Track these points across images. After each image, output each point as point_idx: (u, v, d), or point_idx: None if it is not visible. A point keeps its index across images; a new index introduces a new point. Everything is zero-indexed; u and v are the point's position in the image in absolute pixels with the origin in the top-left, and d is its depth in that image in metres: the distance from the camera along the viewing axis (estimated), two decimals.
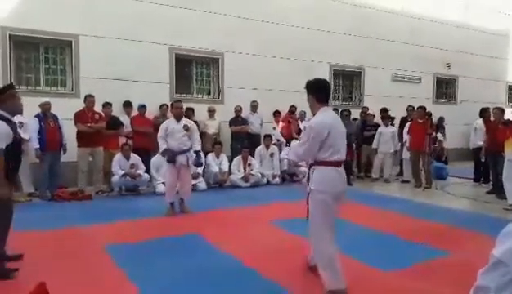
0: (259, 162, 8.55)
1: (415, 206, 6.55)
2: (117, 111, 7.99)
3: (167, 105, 8.22)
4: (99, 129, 7.17)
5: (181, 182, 5.82)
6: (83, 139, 7.06)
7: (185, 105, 7.15)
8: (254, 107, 9.45)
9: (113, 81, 8.22)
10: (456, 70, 13.41)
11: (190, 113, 8.07)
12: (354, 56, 11.41)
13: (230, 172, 8.22)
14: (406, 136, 8.78)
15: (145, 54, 8.51)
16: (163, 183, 6.87)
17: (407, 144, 8.68)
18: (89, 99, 7.21)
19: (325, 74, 10.82)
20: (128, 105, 8.23)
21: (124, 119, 7.96)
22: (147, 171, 7.43)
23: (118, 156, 7.17)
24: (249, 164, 8.31)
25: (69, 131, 7.04)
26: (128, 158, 7.21)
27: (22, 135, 6.49)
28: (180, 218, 5.59)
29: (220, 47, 9.47)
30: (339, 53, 11.13)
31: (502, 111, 7.52)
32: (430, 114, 8.78)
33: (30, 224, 4.87)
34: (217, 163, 8.13)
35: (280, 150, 9.01)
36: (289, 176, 8.98)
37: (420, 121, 8.43)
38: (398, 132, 9.44)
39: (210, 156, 8.10)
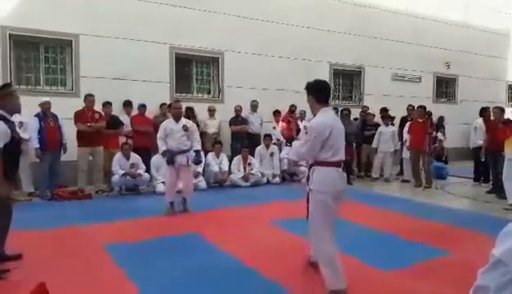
0: (259, 161, 8.55)
1: (415, 205, 6.55)
2: (117, 110, 7.99)
3: (167, 104, 8.21)
4: (99, 128, 7.17)
5: (183, 182, 5.82)
6: (83, 138, 7.06)
7: (185, 105, 7.17)
8: (254, 106, 9.45)
9: (113, 80, 8.22)
10: (456, 69, 13.40)
11: (190, 113, 8.05)
12: (354, 56, 11.41)
13: (230, 172, 8.22)
14: (406, 136, 8.77)
15: (145, 53, 8.50)
16: (163, 182, 6.86)
17: (407, 144, 8.68)
18: (89, 98, 7.21)
19: (325, 74, 10.83)
20: (128, 105, 8.22)
21: (124, 119, 7.96)
22: (147, 170, 7.43)
23: (118, 155, 7.17)
24: (249, 164, 8.31)
25: (69, 131, 7.04)
26: (128, 158, 7.21)
27: (22, 135, 6.52)
28: (180, 218, 5.59)
29: (220, 47, 9.46)
30: (339, 52, 11.12)
31: (502, 110, 7.51)
32: (430, 114, 8.78)
33: (30, 223, 4.87)
34: (217, 163, 8.13)
35: (280, 150, 8.99)
36: (289, 176, 8.98)
37: (420, 120, 8.43)
38: (398, 132, 9.43)
39: (210, 155, 8.10)
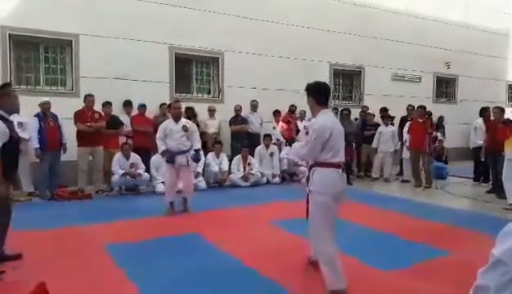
0: (259, 161, 8.55)
1: (415, 205, 6.55)
2: (117, 110, 7.99)
3: (167, 105, 8.21)
4: (99, 128, 7.17)
5: (183, 182, 5.81)
6: (83, 138, 7.06)
7: (185, 105, 7.18)
8: (254, 106, 9.45)
9: (113, 80, 8.22)
10: (456, 69, 13.41)
11: (190, 113, 8.05)
12: (354, 55, 11.41)
13: (230, 172, 8.22)
14: (406, 136, 8.77)
15: (145, 53, 8.50)
16: (162, 182, 6.86)
17: (407, 144, 8.68)
18: (89, 98, 7.21)
19: (325, 73, 10.83)
20: (127, 105, 8.22)
21: (124, 119, 7.96)
22: (147, 170, 7.43)
23: (118, 155, 7.17)
24: (249, 163, 8.31)
25: (69, 131, 7.04)
26: (127, 158, 7.21)
27: (22, 135, 6.54)
28: (180, 218, 5.59)
29: (220, 46, 9.46)
30: (339, 52, 11.12)
31: (502, 110, 7.51)
32: (430, 114, 8.78)
33: (30, 223, 4.87)
34: (217, 163, 8.13)
35: (280, 150, 9.01)
36: (288, 176, 8.98)
37: (420, 120, 8.43)
38: (398, 132, 9.43)
39: (210, 155, 8.10)
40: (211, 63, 9.73)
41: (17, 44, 7.74)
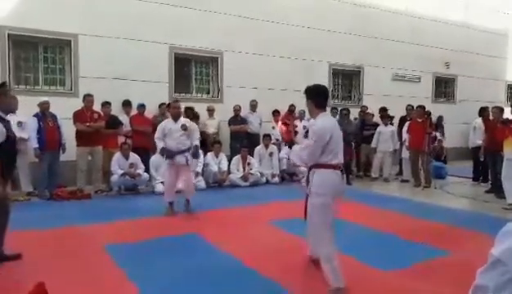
0: (258, 161, 8.54)
1: (414, 205, 6.56)
2: (116, 110, 7.98)
3: (166, 104, 8.22)
4: (98, 128, 7.17)
5: (183, 182, 5.80)
6: (82, 138, 7.05)
7: (184, 105, 7.16)
8: (254, 106, 9.45)
9: (112, 80, 8.21)
10: (456, 69, 13.41)
11: (189, 112, 8.04)
12: (354, 55, 11.41)
13: (229, 172, 8.22)
14: (405, 136, 8.77)
15: (145, 53, 8.49)
16: (162, 182, 6.85)
17: (406, 144, 8.68)
18: (88, 98, 7.20)
19: (324, 73, 10.84)
20: (127, 104, 8.22)
21: (123, 118, 7.96)
22: (146, 170, 7.43)
23: (117, 155, 7.16)
24: (249, 163, 8.31)
25: (68, 131, 7.03)
26: (127, 158, 7.20)
27: (21, 135, 6.55)
28: (179, 218, 5.59)
29: (219, 46, 9.46)
30: (339, 52, 11.13)
31: (501, 110, 7.52)
32: (429, 113, 8.79)
33: (29, 223, 4.86)
34: (217, 163, 8.13)
35: (280, 150, 9.01)
36: (288, 176, 8.98)
37: (419, 120, 8.44)
38: (397, 131, 9.44)
39: (209, 155, 8.10)
40: (210, 63, 9.72)
41: (16, 44, 7.73)
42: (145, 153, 7.64)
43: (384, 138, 9.10)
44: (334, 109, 9.71)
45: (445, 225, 5.16)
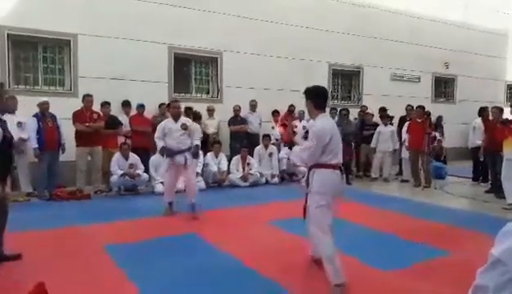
0: (258, 161, 8.54)
1: (414, 205, 6.56)
2: (115, 110, 7.98)
3: (166, 104, 8.21)
4: (97, 128, 7.16)
5: (186, 183, 5.78)
6: (82, 138, 7.04)
7: (184, 105, 7.15)
8: (253, 106, 9.45)
9: (111, 80, 8.21)
10: (455, 69, 13.42)
11: (189, 112, 8.03)
12: (353, 56, 11.41)
13: (229, 172, 8.22)
14: (404, 136, 8.78)
15: (144, 53, 8.49)
16: (161, 183, 6.85)
17: (406, 144, 8.68)
18: (87, 98, 7.19)
19: (324, 73, 10.85)
20: (126, 105, 8.21)
21: (123, 119, 7.95)
22: (146, 170, 7.42)
23: (117, 156, 7.16)
24: (248, 164, 8.31)
25: (68, 131, 7.02)
26: (126, 158, 7.20)
27: (21, 135, 6.55)
28: (179, 218, 5.58)
29: (219, 46, 9.46)
30: (338, 52, 11.13)
31: (501, 110, 7.52)
32: (429, 114, 8.80)
33: (29, 223, 4.86)
34: (216, 163, 8.13)
35: (279, 150, 9.01)
36: (288, 176, 8.98)
37: (419, 120, 8.44)
38: (397, 131, 9.44)
39: (209, 155, 8.09)
40: (210, 63, 9.72)
41: (15, 44, 7.73)
42: (144, 153, 7.63)
43: (384, 138, 9.10)
44: (333, 109, 9.71)
45: (445, 225, 5.16)
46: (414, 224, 5.29)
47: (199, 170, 7.63)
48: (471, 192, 7.97)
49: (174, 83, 9.08)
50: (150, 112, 8.37)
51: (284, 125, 9.47)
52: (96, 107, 7.42)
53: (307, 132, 3.44)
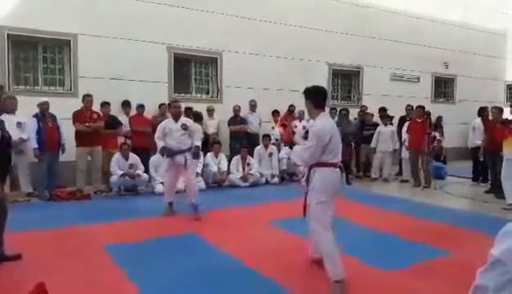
0: (258, 161, 8.54)
1: (414, 205, 6.56)
2: (115, 110, 7.98)
3: (166, 105, 8.22)
4: (97, 128, 7.16)
5: (186, 184, 5.77)
6: (82, 138, 7.04)
7: (183, 105, 7.15)
8: (253, 106, 9.45)
9: (111, 80, 8.21)
10: (455, 69, 13.43)
11: (188, 112, 8.04)
12: (353, 56, 11.42)
13: (229, 172, 8.22)
14: (404, 136, 8.78)
15: (144, 53, 8.50)
16: (161, 183, 6.85)
17: (406, 144, 8.69)
18: (87, 98, 7.20)
19: (323, 74, 10.85)
20: (126, 105, 8.21)
21: (123, 119, 7.95)
22: (146, 170, 7.42)
23: (116, 156, 7.16)
24: (248, 164, 8.31)
25: (68, 131, 7.02)
26: (126, 158, 7.20)
27: (21, 135, 6.55)
28: (179, 218, 5.58)
29: (218, 47, 9.46)
30: (338, 52, 11.13)
31: (500, 110, 7.52)
32: (429, 114, 8.80)
33: (29, 224, 4.87)
34: (216, 163, 8.13)
35: (279, 150, 9.01)
36: (288, 176, 8.98)
37: (419, 120, 8.44)
38: (397, 131, 9.44)
39: (209, 155, 8.09)
40: (210, 63, 9.72)
41: (15, 44, 7.73)
42: (144, 153, 7.63)
43: (384, 138, 9.10)
44: (333, 109, 9.71)
45: (445, 225, 5.16)
46: (414, 224, 5.29)
47: (199, 170, 7.64)
48: (471, 192, 7.97)
49: (174, 83, 9.08)
50: (150, 112, 8.37)
51: (283, 125, 9.48)
52: (96, 107, 7.42)
53: (307, 132, 3.47)
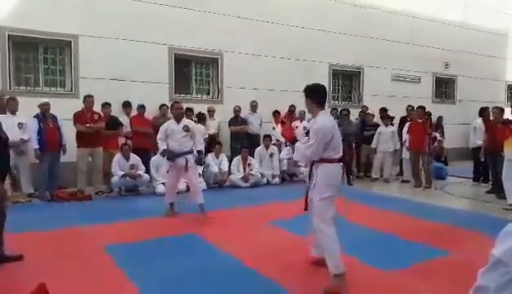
0: (259, 162, 8.55)
1: (414, 205, 6.55)
2: (116, 111, 7.99)
3: (167, 106, 8.23)
4: (98, 129, 7.17)
5: (184, 184, 5.77)
6: (83, 139, 7.05)
7: (184, 105, 7.15)
8: (254, 107, 9.46)
9: (112, 81, 8.22)
10: (455, 70, 13.43)
11: (190, 114, 8.04)
12: (353, 56, 11.42)
13: (229, 172, 8.22)
14: (405, 136, 8.78)
15: (145, 54, 8.51)
16: (163, 183, 6.85)
17: (407, 144, 8.68)
18: (88, 99, 7.20)
19: (324, 74, 10.85)
20: (127, 105, 8.22)
21: (124, 119, 7.96)
22: (147, 171, 7.43)
23: (117, 156, 7.16)
24: (249, 164, 8.31)
25: (69, 132, 7.03)
26: (127, 159, 7.20)
27: (22, 136, 6.57)
28: (179, 218, 5.59)
29: (219, 47, 9.47)
30: (339, 53, 11.13)
31: (501, 110, 7.51)
32: (430, 114, 8.79)
33: (30, 224, 4.87)
34: (217, 163, 8.13)
35: (280, 150, 9.01)
36: (288, 176, 8.98)
37: (420, 121, 8.44)
38: (398, 132, 9.43)
39: (210, 156, 8.09)
40: (210, 64, 9.73)
41: (16, 45, 7.74)
42: (145, 154, 7.64)
43: (385, 138, 9.10)
44: (334, 109, 9.71)
45: (445, 226, 5.16)
46: (414, 224, 5.29)
47: (200, 171, 7.64)
48: (472, 192, 7.96)
49: (175, 84, 9.09)
50: (151, 113, 8.38)
51: (282, 122, 9.48)
52: (97, 108, 7.42)
53: (307, 133, 3.48)
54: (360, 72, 11.75)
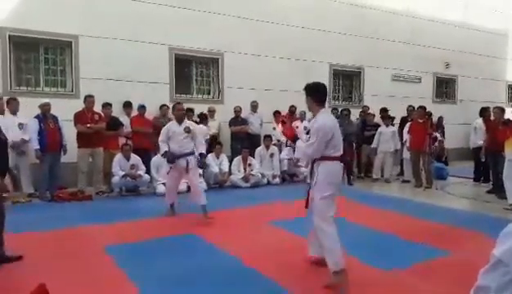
0: (259, 162, 8.55)
1: (415, 206, 6.55)
2: (117, 111, 7.99)
3: (167, 106, 8.23)
4: (99, 129, 7.17)
5: (191, 186, 5.75)
6: (83, 139, 7.06)
7: (185, 106, 7.15)
8: (254, 107, 9.46)
9: (112, 81, 8.22)
10: (456, 70, 13.42)
11: (190, 114, 8.04)
12: (354, 56, 11.42)
13: (230, 173, 8.22)
14: (406, 136, 8.77)
15: (145, 54, 8.51)
16: (163, 183, 6.85)
17: (407, 144, 8.68)
18: (89, 99, 7.21)
19: (324, 74, 10.84)
20: (127, 106, 8.22)
21: (124, 120, 7.96)
22: (147, 171, 7.43)
23: (118, 156, 7.16)
24: (249, 164, 8.31)
25: (69, 132, 7.04)
26: (128, 159, 7.20)
27: (22, 136, 6.58)
28: (180, 218, 5.59)
29: (219, 47, 9.47)
30: (339, 53, 11.13)
31: (502, 110, 7.51)
32: (430, 114, 8.79)
33: (30, 224, 4.88)
34: (217, 164, 8.13)
35: (280, 150, 9.01)
36: (289, 177, 8.98)
37: (420, 121, 8.44)
38: (398, 132, 9.43)
39: (210, 156, 8.09)
40: (211, 64, 9.73)
41: (17, 45, 7.75)
42: (145, 154, 7.64)
43: (385, 138, 9.09)
44: (334, 109, 9.70)
45: (445, 226, 5.15)
46: (414, 224, 5.28)
47: (200, 171, 7.63)
48: (472, 192, 7.95)
49: (175, 84, 9.09)
50: (151, 113, 8.38)
51: (283, 121, 9.46)
52: (98, 108, 7.43)
53: (308, 133, 3.49)
54: (360, 72, 11.74)
